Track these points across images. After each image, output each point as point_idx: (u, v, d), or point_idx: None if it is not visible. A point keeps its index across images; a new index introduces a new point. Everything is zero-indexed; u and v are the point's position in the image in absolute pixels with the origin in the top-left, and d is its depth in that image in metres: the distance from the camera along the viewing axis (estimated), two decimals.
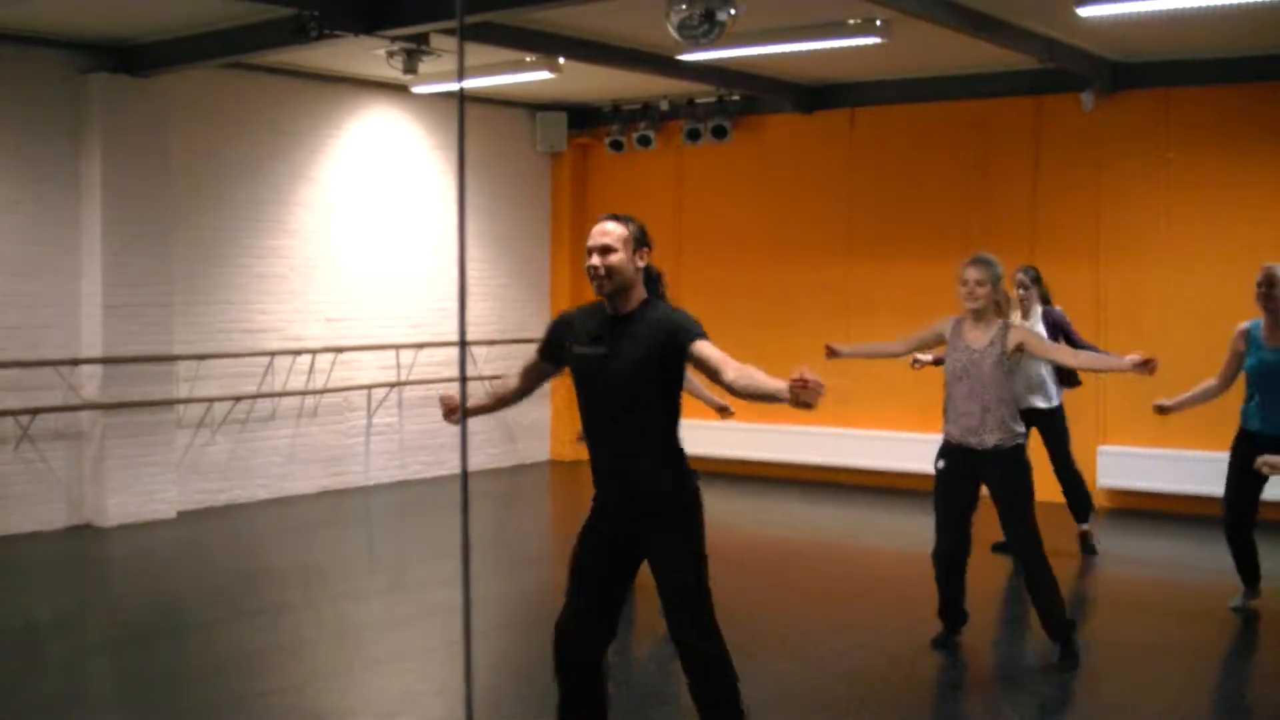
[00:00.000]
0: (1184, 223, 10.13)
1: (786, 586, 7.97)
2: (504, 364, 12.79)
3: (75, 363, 9.54)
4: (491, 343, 12.57)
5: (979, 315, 6.16)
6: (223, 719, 5.55)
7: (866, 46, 9.15)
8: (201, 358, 10.25)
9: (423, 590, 7.54)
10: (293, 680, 6.13)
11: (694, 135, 12.24)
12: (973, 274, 6.14)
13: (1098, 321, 10.26)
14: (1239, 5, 8.02)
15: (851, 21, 8.81)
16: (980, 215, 11.08)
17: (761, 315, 12.17)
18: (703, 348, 4.15)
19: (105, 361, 9.61)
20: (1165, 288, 10.24)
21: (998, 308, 6.20)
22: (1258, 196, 9.95)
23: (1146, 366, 5.67)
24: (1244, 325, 6.91)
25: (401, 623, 7.07)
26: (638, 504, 4.35)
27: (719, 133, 12.12)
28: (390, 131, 11.89)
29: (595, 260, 4.30)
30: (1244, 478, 6.69)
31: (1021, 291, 8.41)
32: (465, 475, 4.70)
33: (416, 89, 11.31)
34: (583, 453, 13.87)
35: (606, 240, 4.32)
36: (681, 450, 4.40)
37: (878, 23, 8.72)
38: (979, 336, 6.13)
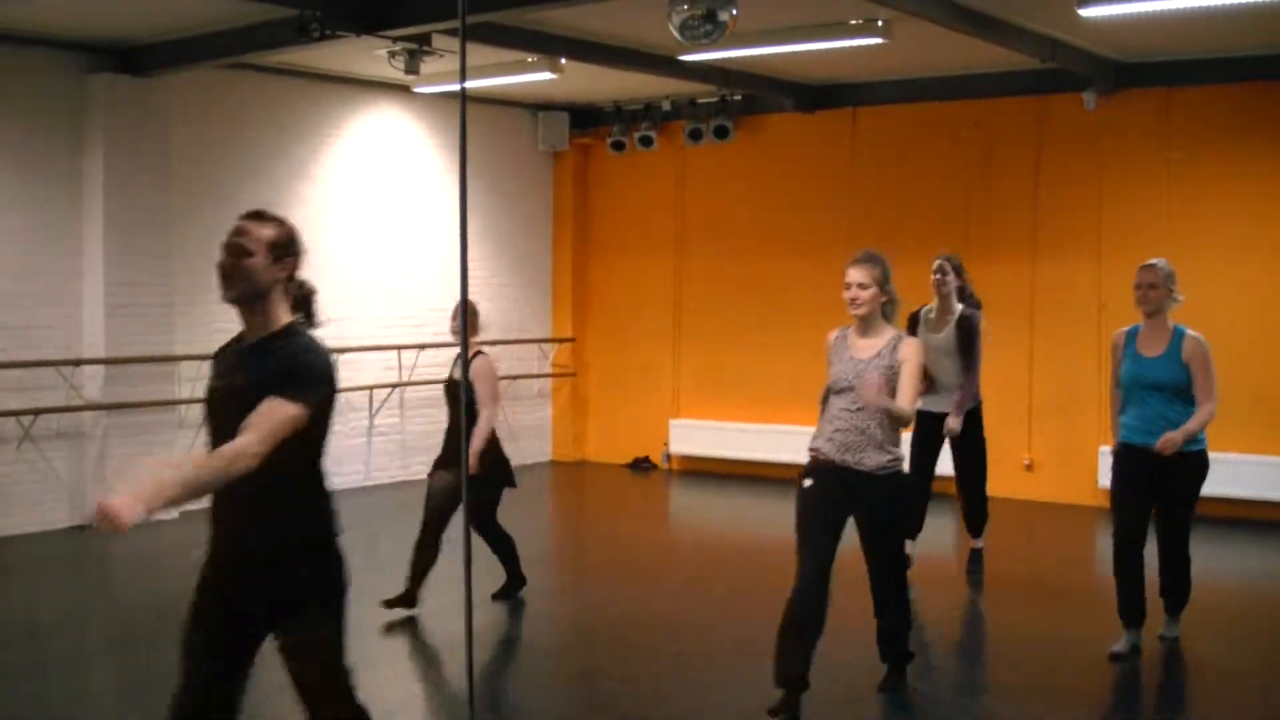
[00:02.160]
0: (1186, 222, 10.12)
1: (786, 586, 7.95)
2: (505, 364, 12.80)
3: (77, 363, 9.55)
4: (493, 343, 12.55)
5: (865, 322, 5.46)
6: None
7: (868, 46, 9.15)
8: (203, 358, 10.20)
9: (423, 590, 7.53)
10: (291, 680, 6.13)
11: (696, 135, 12.24)
12: (855, 274, 5.44)
13: (1099, 321, 10.25)
14: (1240, 5, 8.02)
15: (853, 22, 8.81)
16: (982, 215, 11.08)
17: (763, 315, 12.18)
18: (263, 407, 3.41)
19: (107, 362, 9.62)
20: None
21: (884, 312, 5.48)
22: (1259, 196, 9.94)
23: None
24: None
25: (402, 623, 7.07)
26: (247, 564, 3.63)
27: (721, 133, 12.12)
28: (392, 132, 11.89)
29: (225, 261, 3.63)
30: (1137, 493, 6.14)
31: (937, 277, 7.94)
32: (466, 476, 4.71)
33: (418, 89, 11.31)
34: (584, 451, 13.83)
35: (241, 240, 3.63)
36: (308, 501, 3.67)
37: (879, 23, 8.72)
38: (866, 346, 5.45)
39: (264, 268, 3.60)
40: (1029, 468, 10.85)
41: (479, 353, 7.32)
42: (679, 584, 8.09)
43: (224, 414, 3.54)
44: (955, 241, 11.11)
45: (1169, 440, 5.82)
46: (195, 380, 10.25)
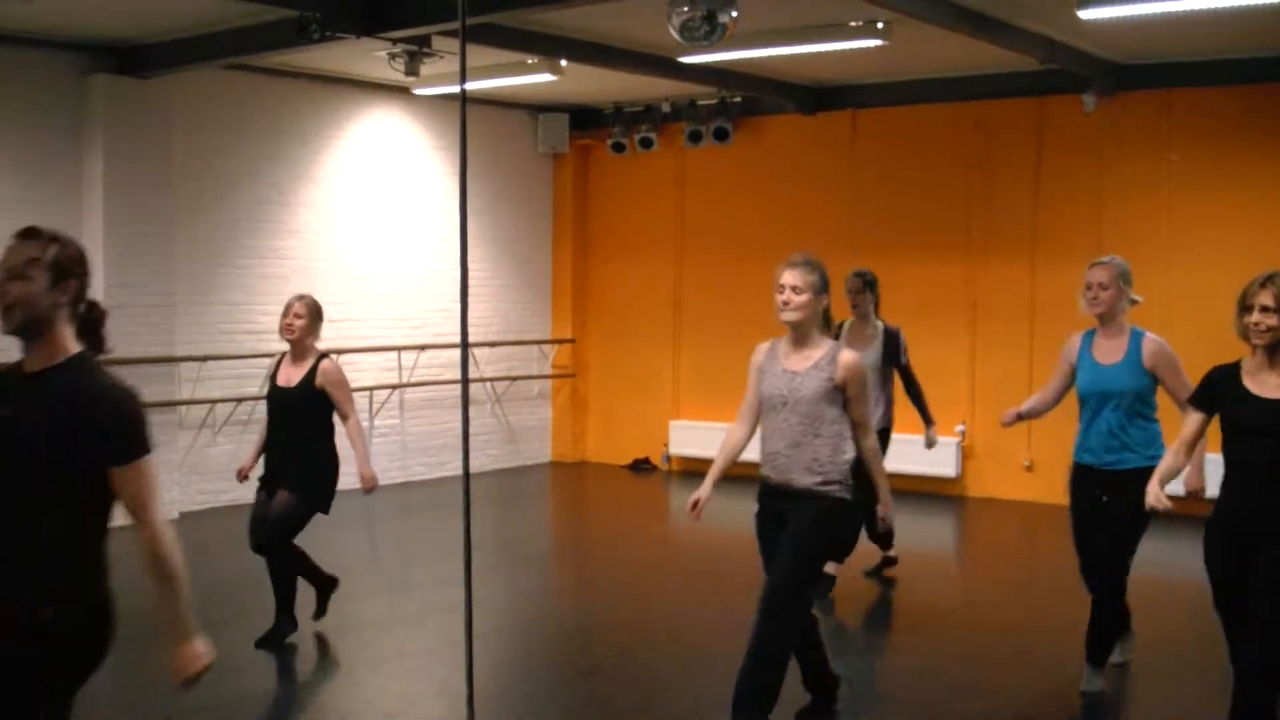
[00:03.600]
0: (1185, 223, 10.14)
1: None
2: (505, 365, 12.81)
3: None
4: (493, 344, 12.59)
5: (799, 330, 5.08)
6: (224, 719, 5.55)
7: (868, 48, 9.15)
8: (204, 359, 10.26)
9: (424, 591, 7.55)
10: (294, 680, 6.14)
11: (696, 137, 12.24)
12: (789, 277, 5.06)
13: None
14: (1239, 7, 8.02)
15: (853, 23, 8.82)
16: (982, 216, 11.09)
17: (763, 317, 12.13)
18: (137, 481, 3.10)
19: (107, 362, 9.60)
20: (1167, 289, 10.22)
21: (825, 323, 5.20)
22: (1259, 197, 9.95)
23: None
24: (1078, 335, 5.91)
25: (403, 623, 7.07)
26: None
27: (720, 134, 12.13)
28: (392, 133, 11.90)
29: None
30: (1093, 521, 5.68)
31: (855, 295, 7.66)
32: (467, 476, 4.72)
33: (418, 90, 11.32)
34: (584, 452, 13.84)
35: (14, 260, 3.18)
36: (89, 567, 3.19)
37: (879, 25, 8.73)
38: (800, 358, 5.10)
39: (43, 292, 3.20)
40: (1029, 468, 10.85)
41: (325, 355, 6.80)
42: (679, 584, 8.09)
43: None
44: (955, 242, 11.15)
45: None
46: (195, 380, 10.27)
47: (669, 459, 12.87)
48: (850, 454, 5.10)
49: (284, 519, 6.51)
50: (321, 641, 6.81)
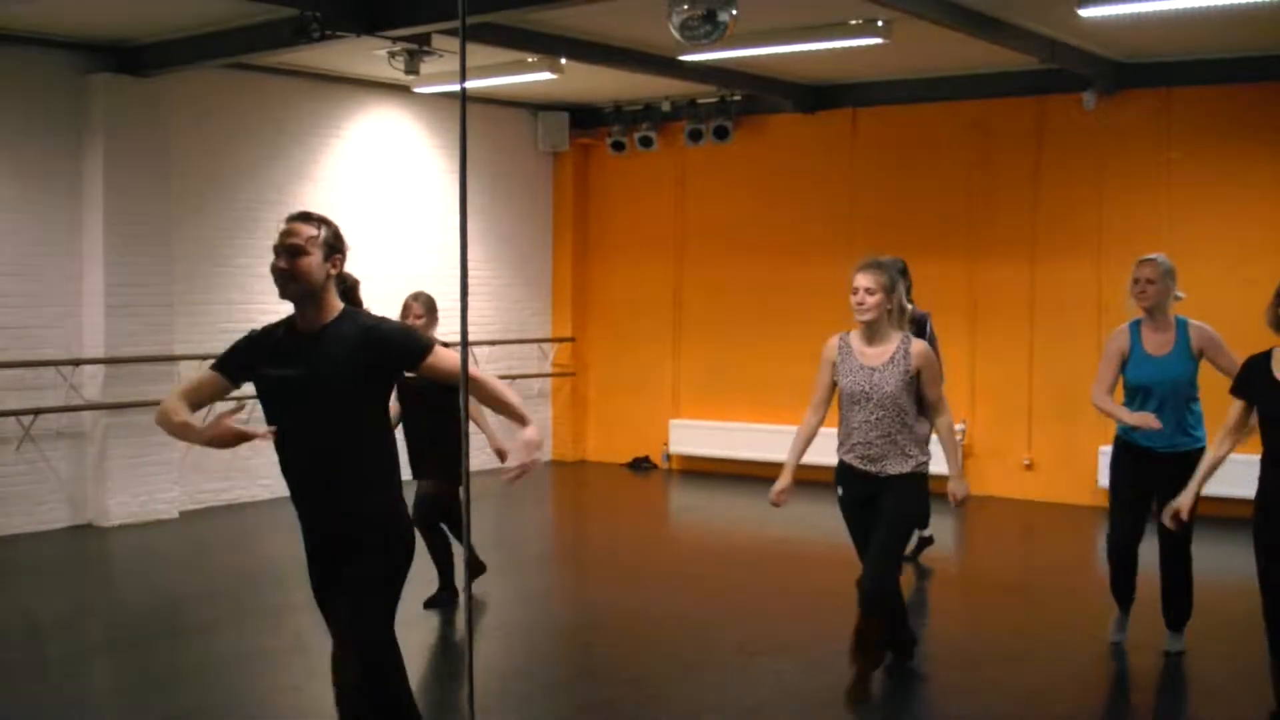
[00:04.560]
0: (1185, 223, 10.13)
1: (786, 586, 7.97)
2: (505, 364, 12.81)
3: (77, 363, 9.55)
4: (494, 343, 12.58)
5: (871, 328, 5.51)
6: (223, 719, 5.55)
7: (868, 47, 9.15)
8: (203, 358, 10.23)
9: (424, 591, 7.53)
10: (293, 680, 6.13)
11: (695, 136, 12.24)
12: (863, 279, 5.47)
13: (1100, 322, 10.25)
14: (1240, 5, 8.02)
15: (853, 22, 8.81)
16: (982, 215, 11.08)
17: (763, 316, 12.18)
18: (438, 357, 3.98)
19: (107, 362, 9.62)
20: None
21: (900, 317, 5.57)
22: (1259, 196, 9.95)
23: None
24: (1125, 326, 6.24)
25: (403, 622, 7.01)
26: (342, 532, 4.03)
27: (720, 133, 12.12)
28: (392, 132, 11.89)
29: (283, 263, 3.93)
30: (1137, 494, 6.07)
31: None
32: (467, 476, 4.71)
33: (418, 89, 11.31)
34: (584, 451, 13.86)
35: (296, 240, 3.95)
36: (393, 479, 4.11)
37: (879, 23, 8.72)
38: (875, 353, 5.51)
39: (318, 265, 3.94)
40: (1029, 468, 10.85)
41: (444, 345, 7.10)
42: (679, 584, 8.09)
43: (302, 403, 3.88)
44: (955, 241, 11.14)
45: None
46: None
47: (669, 458, 12.86)
48: (926, 429, 5.69)
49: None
50: (321, 642, 6.81)
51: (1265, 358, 5.08)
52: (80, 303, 9.71)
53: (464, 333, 4.86)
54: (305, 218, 4.00)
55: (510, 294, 12.99)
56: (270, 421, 3.98)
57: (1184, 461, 5.81)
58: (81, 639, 6.96)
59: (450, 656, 6.44)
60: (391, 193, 11.87)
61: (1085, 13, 8.03)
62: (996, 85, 10.80)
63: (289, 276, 3.89)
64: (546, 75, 10.20)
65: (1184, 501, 5.38)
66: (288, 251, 3.89)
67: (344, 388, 3.86)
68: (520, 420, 3.98)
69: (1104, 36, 9.33)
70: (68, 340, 9.65)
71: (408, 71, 9.40)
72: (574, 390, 13.46)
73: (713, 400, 12.61)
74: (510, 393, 4.01)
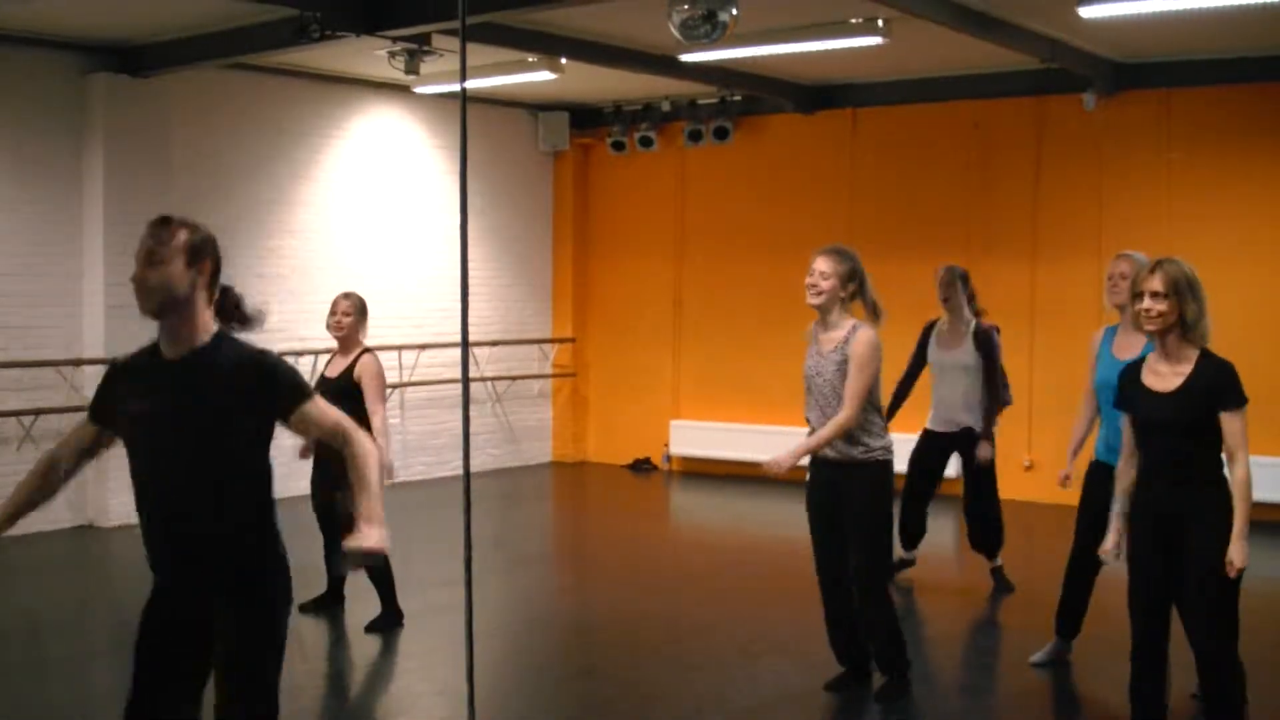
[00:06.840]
0: (1186, 223, 10.12)
1: (786, 587, 7.96)
2: (505, 365, 12.81)
3: (77, 363, 9.55)
4: (494, 343, 12.58)
5: (823, 313, 5.50)
6: None
7: (868, 47, 9.15)
8: None
9: (424, 590, 7.54)
10: (292, 681, 6.13)
11: (695, 136, 12.24)
12: (820, 264, 5.49)
13: (1100, 323, 10.22)
14: (1240, 6, 8.02)
15: (853, 21, 8.81)
16: (982, 215, 11.09)
17: (763, 316, 12.17)
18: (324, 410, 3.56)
19: (107, 362, 9.59)
20: None
21: (874, 313, 5.48)
22: (1259, 197, 9.95)
23: None
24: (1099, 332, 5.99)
25: (404, 622, 7.06)
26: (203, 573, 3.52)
27: (720, 133, 12.12)
28: (392, 132, 11.89)
29: (138, 272, 3.48)
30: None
31: (944, 289, 7.60)
32: (468, 476, 4.71)
33: (418, 89, 11.31)
34: (584, 452, 13.82)
35: (153, 245, 3.53)
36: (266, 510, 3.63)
37: (879, 23, 8.72)
38: (827, 340, 5.51)
39: (179, 273, 3.49)
40: (1029, 468, 10.85)
41: (367, 350, 6.86)
42: (679, 584, 8.09)
43: (163, 443, 3.40)
44: (955, 242, 11.13)
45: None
46: None
47: (669, 459, 12.86)
48: (879, 420, 5.49)
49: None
50: (320, 641, 6.81)
51: (1138, 364, 4.71)
52: (80, 303, 9.71)
53: (464, 332, 4.87)
54: (164, 222, 3.57)
55: (510, 294, 12.99)
56: (131, 461, 3.47)
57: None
58: (82, 639, 6.96)
59: (450, 656, 6.44)
60: (391, 193, 11.87)
61: (1085, 13, 8.03)
62: (996, 85, 10.80)
63: (145, 287, 3.43)
64: (546, 75, 10.20)
65: (1234, 556, 4.87)
66: (144, 259, 3.46)
67: (214, 424, 3.39)
68: (366, 505, 3.47)
69: (1104, 37, 9.34)
70: (68, 340, 9.65)
71: (408, 71, 9.39)
72: (574, 391, 13.46)
73: (713, 401, 12.61)
74: (374, 470, 3.48)
